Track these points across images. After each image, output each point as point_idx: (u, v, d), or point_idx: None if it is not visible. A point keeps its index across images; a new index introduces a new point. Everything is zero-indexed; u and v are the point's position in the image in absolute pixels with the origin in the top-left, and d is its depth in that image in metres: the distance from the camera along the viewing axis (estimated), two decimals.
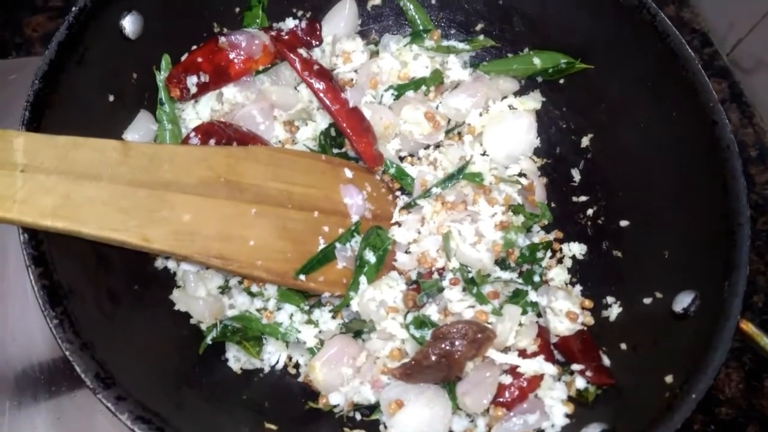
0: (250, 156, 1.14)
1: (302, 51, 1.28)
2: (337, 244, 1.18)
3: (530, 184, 1.29)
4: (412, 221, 1.24)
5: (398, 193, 1.33)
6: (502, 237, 1.22)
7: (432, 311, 1.17)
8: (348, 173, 1.25)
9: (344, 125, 1.26)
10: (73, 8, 1.04)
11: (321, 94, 1.26)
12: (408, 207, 1.27)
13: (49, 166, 0.90)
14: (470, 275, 1.19)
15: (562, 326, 1.16)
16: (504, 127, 1.32)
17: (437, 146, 1.37)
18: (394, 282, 1.18)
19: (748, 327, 0.98)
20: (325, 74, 1.27)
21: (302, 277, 1.14)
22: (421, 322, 1.14)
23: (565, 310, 1.17)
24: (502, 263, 1.23)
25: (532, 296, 1.20)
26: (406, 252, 1.23)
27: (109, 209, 0.94)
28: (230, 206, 1.07)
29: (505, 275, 1.20)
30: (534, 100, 1.38)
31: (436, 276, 1.21)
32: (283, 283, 1.15)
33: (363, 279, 1.17)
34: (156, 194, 0.99)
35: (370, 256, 1.19)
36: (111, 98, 1.13)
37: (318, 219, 1.17)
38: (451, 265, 1.19)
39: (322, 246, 1.17)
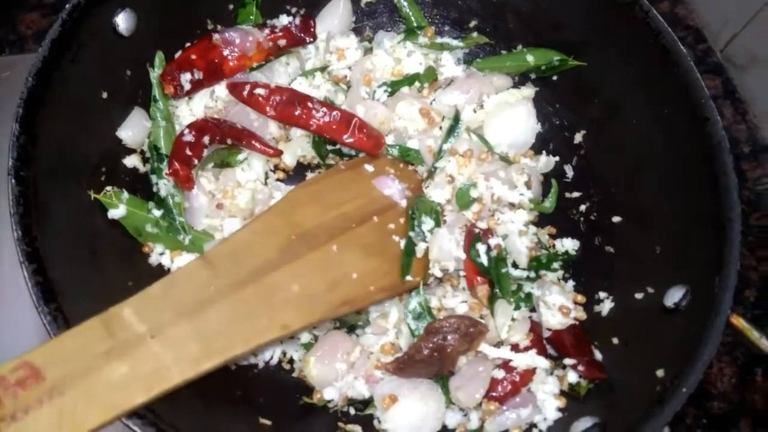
0: (293, 202, 1.16)
1: (259, 90, 1.26)
2: (411, 233, 1.20)
3: (528, 179, 1.29)
4: (441, 179, 1.26)
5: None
6: (534, 234, 1.26)
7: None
8: (369, 168, 1.27)
9: (329, 136, 1.27)
10: (67, 5, 1.04)
11: (293, 123, 1.27)
12: (431, 175, 1.28)
13: (167, 318, 0.90)
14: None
15: (554, 320, 1.17)
16: (504, 116, 1.32)
17: None
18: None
19: (738, 321, 0.99)
20: (289, 100, 1.26)
21: (408, 277, 1.17)
22: (420, 314, 1.15)
23: (558, 305, 1.18)
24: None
25: (527, 288, 1.20)
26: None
27: (240, 320, 0.96)
28: (317, 256, 1.09)
29: (516, 273, 1.21)
30: (528, 89, 1.38)
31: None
32: (396, 293, 1.18)
33: (430, 223, 1.19)
34: (260, 284, 1.01)
35: (429, 221, 1.20)
36: (104, 95, 1.14)
37: (380, 222, 1.20)
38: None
39: (399, 242, 1.19)
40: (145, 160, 1.23)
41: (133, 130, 1.19)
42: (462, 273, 1.20)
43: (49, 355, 0.81)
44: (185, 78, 1.23)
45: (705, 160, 1.06)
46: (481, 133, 1.31)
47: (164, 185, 1.19)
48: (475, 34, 1.42)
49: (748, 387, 1.40)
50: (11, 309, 1.27)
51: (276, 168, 1.35)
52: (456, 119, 1.29)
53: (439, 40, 1.41)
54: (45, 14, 1.72)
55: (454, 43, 1.41)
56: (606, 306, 1.19)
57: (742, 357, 1.43)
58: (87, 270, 1.03)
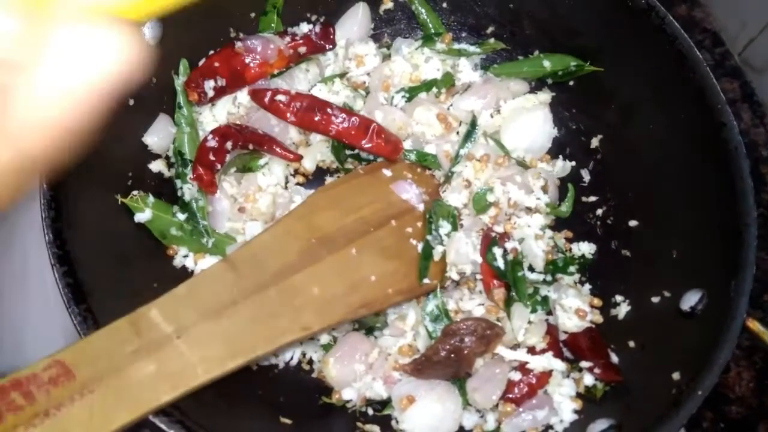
0: (312, 206, 1.19)
1: (280, 96, 1.28)
2: (428, 237, 1.22)
3: (545, 184, 1.30)
4: (457, 184, 1.27)
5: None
6: (551, 237, 1.26)
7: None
8: (387, 173, 1.29)
9: (348, 141, 1.29)
10: None
11: (313, 128, 1.30)
12: (448, 180, 1.30)
13: (192, 319, 0.93)
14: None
15: (570, 323, 1.18)
16: (521, 121, 1.34)
17: None
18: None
19: (754, 325, 1.00)
20: (309, 106, 1.28)
21: (426, 280, 1.19)
22: (437, 316, 1.17)
23: (574, 308, 1.19)
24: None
25: (543, 291, 1.22)
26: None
27: (262, 322, 0.98)
28: (336, 259, 1.12)
29: (533, 276, 1.23)
30: (545, 93, 1.39)
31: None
32: (414, 296, 1.20)
33: (447, 227, 1.21)
34: (281, 286, 1.03)
35: (446, 225, 1.22)
36: (131, 102, 1.16)
37: (398, 226, 1.22)
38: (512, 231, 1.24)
39: (416, 245, 1.21)
40: (170, 165, 1.25)
41: (158, 135, 1.22)
42: (479, 276, 1.22)
43: (80, 354, 0.83)
44: (209, 85, 1.26)
45: (721, 165, 1.07)
46: (497, 138, 1.33)
47: (188, 189, 1.22)
48: (492, 40, 1.43)
49: (767, 391, 1.40)
50: (37, 310, 1.30)
51: (296, 172, 1.37)
52: (473, 124, 1.31)
53: (456, 46, 1.42)
54: None
55: (472, 49, 1.42)
56: (622, 309, 1.20)
57: (761, 361, 1.42)
58: (114, 271, 1.05)
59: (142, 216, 1.15)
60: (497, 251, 1.18)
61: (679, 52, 1.15)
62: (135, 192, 1.16)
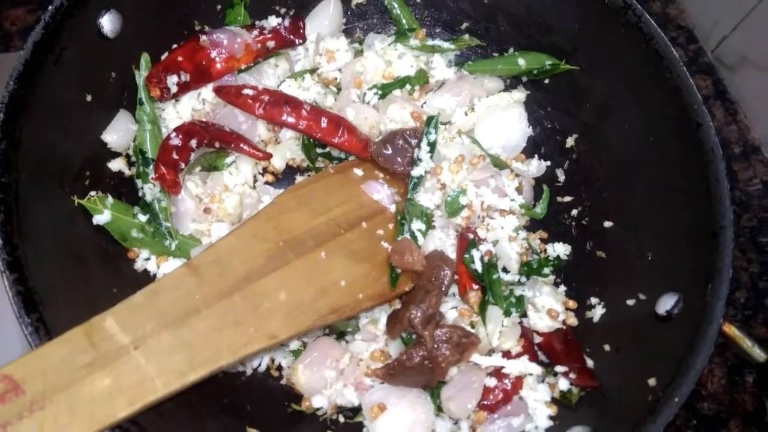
0: (281, 207, 1.15)
1: (247, 90, 1.24)
2: (399, 238, 1.19)
3: (520, 184, 1.28)
4: (431, 184, 1.25)
5: None
6: (524, 239, 1.25)
7: None
8: (358, 172, 1.26)
9: (319, 136, 1.25)
10: (50, 7, 1.02)
11: (282, 122, 1.25)
12: (420, 181, 1.26)
13: (151, 328, 0.89)
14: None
15: (542, 323, 1.16)
16: (495, 119, 1.32)
17: None
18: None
19: (730, 330, 0.98)
20: (278, 100, 1.24)
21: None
22: None
23: (547, 307, 1.17)
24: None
25: (518, 291, 1.20)
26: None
27: (226, 330, 0.94)
28: (305, 263, 1.08)
29: (507, 278, 1.21)
30: (520, 92, 1.37)
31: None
32: (385, 301, 1.16)
33: (422, 226, 1.19)
34: (247, 292, 0.99)
35: (420, 225, 1.20)
36: (89, 98, 1.12)
37: (369, 227, 1.19)
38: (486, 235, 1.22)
39: (388, 248, 1.18)
40: (130, 164, 1.21)
41: (118, 133, 1.17)
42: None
43: (30, 367, 0.79)
44: (172, 80, 1.21)
45: (697, 166, 1.06)
46: (472, 136, 1.30)
47: (150, 190, 1.17)
48: (466, 36, 1.41)
49: (738, 388, 1.40)
50: None
51: (265, 171, 1.33)
52: (433, 122, 1.25)
53: (430, 42, 1.39)
54: (31, 10, 1.68)
55: (446, 45, 1.39)
56: (597, 312, 1.18)
57: (732, 358, 1.43)
58: (70, 277, 1.01)
59: (101, 218, 1.11)
60: (475, 254, 1.15)
61: (656, 51, 1.13)
62: (93, 193, 1.11)
